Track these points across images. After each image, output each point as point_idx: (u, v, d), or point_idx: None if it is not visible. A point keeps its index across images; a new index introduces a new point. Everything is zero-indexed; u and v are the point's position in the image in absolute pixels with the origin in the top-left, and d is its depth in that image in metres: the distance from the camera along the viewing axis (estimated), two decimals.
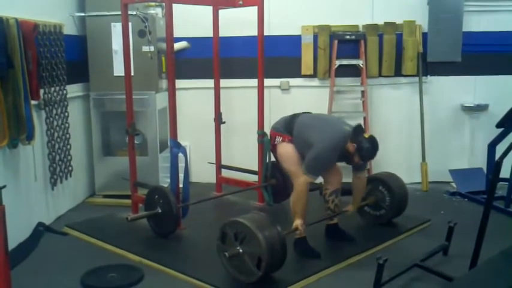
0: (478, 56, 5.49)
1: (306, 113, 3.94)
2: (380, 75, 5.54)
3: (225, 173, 5.27)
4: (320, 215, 3.93)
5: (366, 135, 3.53)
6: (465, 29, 5.41)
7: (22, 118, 3.73)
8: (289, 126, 3.81)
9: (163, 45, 4.56)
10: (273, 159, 4.34)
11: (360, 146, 3.48)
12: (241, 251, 3.22)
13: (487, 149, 5.03)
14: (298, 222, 3.57)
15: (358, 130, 3.58)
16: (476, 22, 5.45)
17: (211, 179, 5.33)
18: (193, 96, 5.62)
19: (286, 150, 3.79)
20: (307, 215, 3.67)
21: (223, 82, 5.19)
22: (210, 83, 5.17)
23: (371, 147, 3.51)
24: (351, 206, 4.04)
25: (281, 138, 3.82)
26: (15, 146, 3.84)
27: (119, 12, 4.39)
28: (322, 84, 5.58)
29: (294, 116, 3.87)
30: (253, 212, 3.55)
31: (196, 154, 5.72)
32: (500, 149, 4.47)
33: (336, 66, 5.42)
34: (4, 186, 2.72)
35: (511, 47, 5.48)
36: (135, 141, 4.66)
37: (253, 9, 4.67)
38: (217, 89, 5.12)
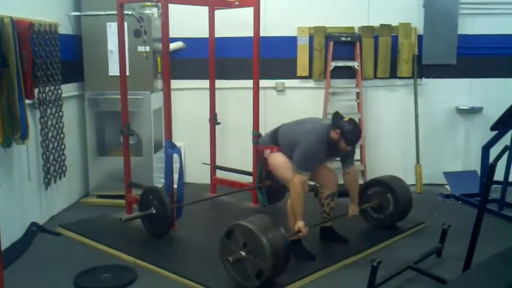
0: (473, 58, 5.51)
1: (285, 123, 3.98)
2: (375, 77, 5.55)
3: (220, 174, 5.26)
4: (316, 216, 3.93)
5: (346, 119, 3.57)
6: (460, 31, 5.43)
7: (16, 117, 3.71)
8: (274, 138, 3.88)
9: (159, 45, 4.55)
10: None
11: (343, 130, 3.52)
12: (244, 255, 3.19)
13: (481, 151, 5.05)
14: (300, 224, 3.57)
15: (338, 116, 3.62)
16: (471, 25, 5.47)
17: (206, 179, 5.32)
18: (189, 97, 5.61)
19: (277, 159, 3.83)
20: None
21: (219, 83, 5.19)
22: (205, 83, 5.17)
23: (353, 129, 3.55)
24: (352, 206, 4.01)
25: (269, 150, 3.87)
26: (9, 145, 3.81)
27: (115, 12, 4.39)
28: (317, 86, 5.58)
29: (277, 129, 3.93)
30: (259, 215, 3.49)
31: (191, 155, 5.71)
32: (494, 151, 4.49)
33: (331, 68, 5.43)
34: None
35: (506, 50, 5.51)
36: (130, 142, 4.65)
37: (249, 10, 4.68)
38: (212, 89, 5.12)
